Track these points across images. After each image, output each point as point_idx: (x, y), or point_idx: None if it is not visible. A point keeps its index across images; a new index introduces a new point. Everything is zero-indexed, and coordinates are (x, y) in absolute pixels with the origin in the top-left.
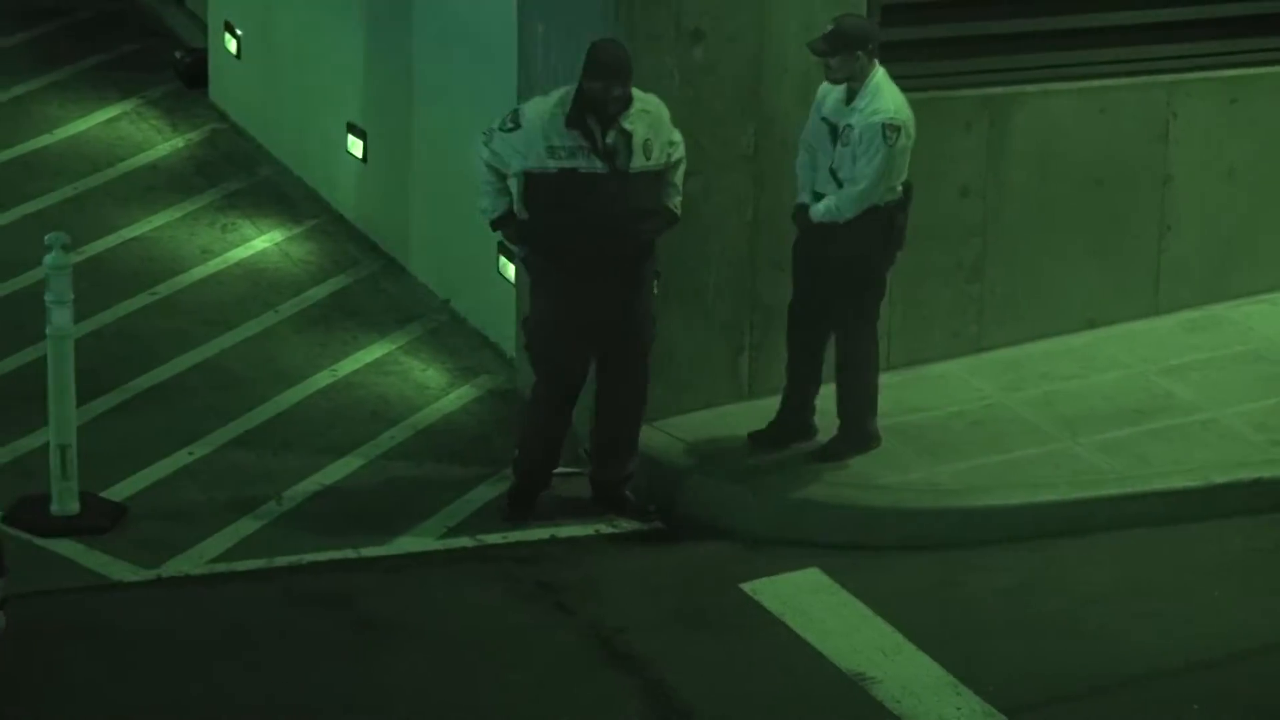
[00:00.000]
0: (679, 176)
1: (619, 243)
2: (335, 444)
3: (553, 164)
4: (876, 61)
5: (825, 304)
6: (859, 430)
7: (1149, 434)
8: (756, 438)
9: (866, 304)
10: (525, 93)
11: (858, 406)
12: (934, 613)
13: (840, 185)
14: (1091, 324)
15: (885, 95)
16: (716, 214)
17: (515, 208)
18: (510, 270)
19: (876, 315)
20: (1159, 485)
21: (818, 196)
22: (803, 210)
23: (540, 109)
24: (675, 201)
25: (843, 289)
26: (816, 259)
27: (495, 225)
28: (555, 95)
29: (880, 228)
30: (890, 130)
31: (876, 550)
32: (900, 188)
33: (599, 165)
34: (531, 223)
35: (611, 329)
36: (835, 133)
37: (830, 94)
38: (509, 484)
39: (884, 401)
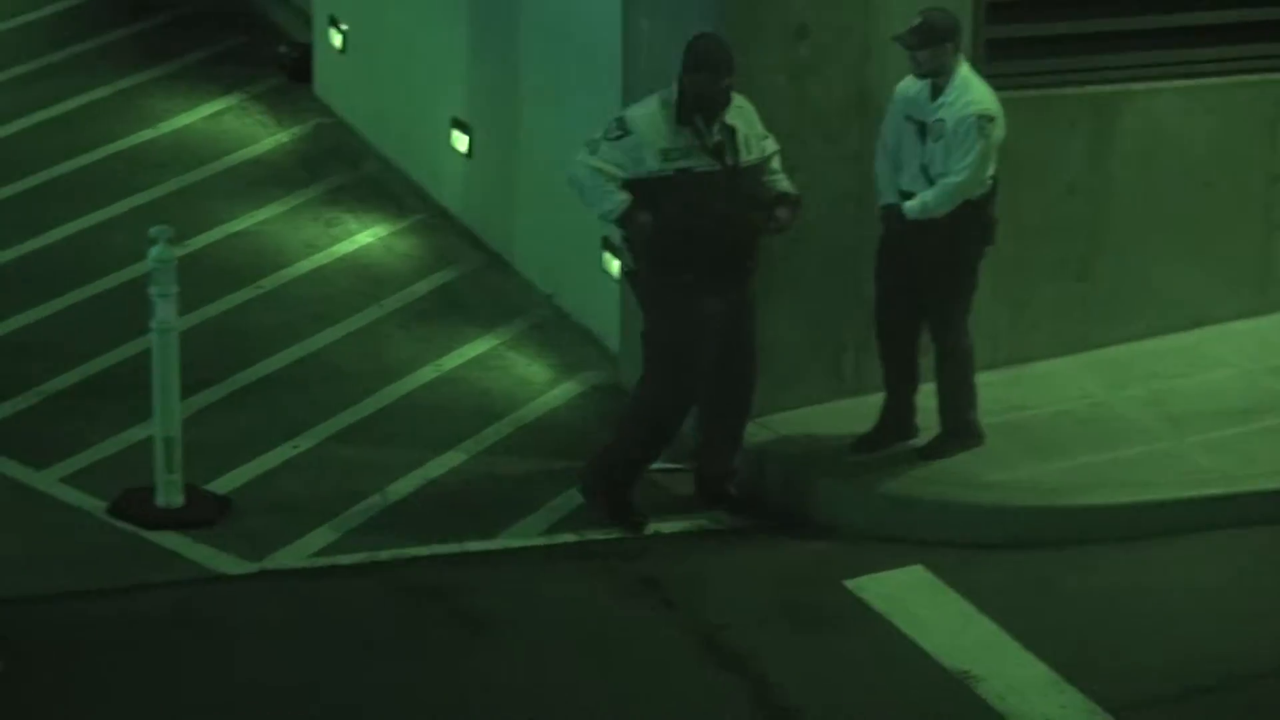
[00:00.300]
0: (779, 163)
1: (737, 236)
2: (439, 439)
3: (669, 167)
4: (961, 55)
5: (921, 304)
6: (962, 426)
7: (1256, 433)
8: (860, 443)
9: (963, 299)
10: (630, 89)
11: (959, 403)
12: (1039, 611)
13: (932, 182)
14: (1198, 323)
15: (974, 87)
16: (822, 211)
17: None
18: (614, 265)
19: (970, 310)
20: (1266, 485)
21: (905, 196)
22: (892, 210)
23: (646, 113)
24: (788, 184)
25: (940, 286)
26: (912, 258)
27: (623, 220)
28: (655, 100)
29: (976, 220)
30: (985, 121)
31: (982, 548)
32: (990, 180)
33: (711, 163)
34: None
35: (733, 325)
36: (923, 130)
37: (911, 91)
38: (603, 489)
39: (990, 400)
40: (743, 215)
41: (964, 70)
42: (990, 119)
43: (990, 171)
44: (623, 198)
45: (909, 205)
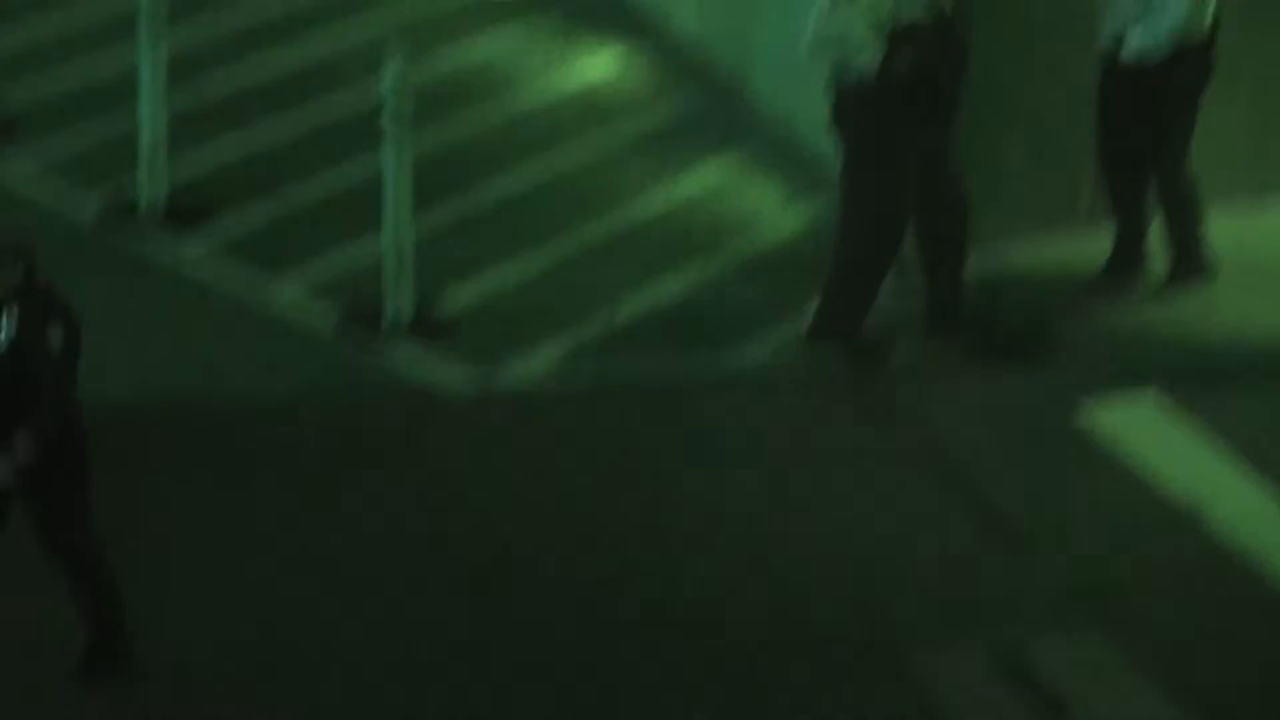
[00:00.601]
0: None
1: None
2: (670, 262)
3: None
4: None
5: (1152, 144)
6: (1194, 260)
7: None
8: (1093, 284)
9: (1189, 137)
10: None
11: (1188, 238)
12: (1276, 442)
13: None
14: None
15: None
16: (1063, 40)
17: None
18: None
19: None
20: None
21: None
22: (1117, 49)
23: None
24: None
25: (1173, 125)
26: (1144, 99)
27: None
28: None
29: (1198, 63)
30: None
31: (1217, 380)
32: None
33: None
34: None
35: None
36: None
37: None
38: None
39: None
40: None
41: None
42: None
43: (1210, 13)
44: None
45: (1129, 47)
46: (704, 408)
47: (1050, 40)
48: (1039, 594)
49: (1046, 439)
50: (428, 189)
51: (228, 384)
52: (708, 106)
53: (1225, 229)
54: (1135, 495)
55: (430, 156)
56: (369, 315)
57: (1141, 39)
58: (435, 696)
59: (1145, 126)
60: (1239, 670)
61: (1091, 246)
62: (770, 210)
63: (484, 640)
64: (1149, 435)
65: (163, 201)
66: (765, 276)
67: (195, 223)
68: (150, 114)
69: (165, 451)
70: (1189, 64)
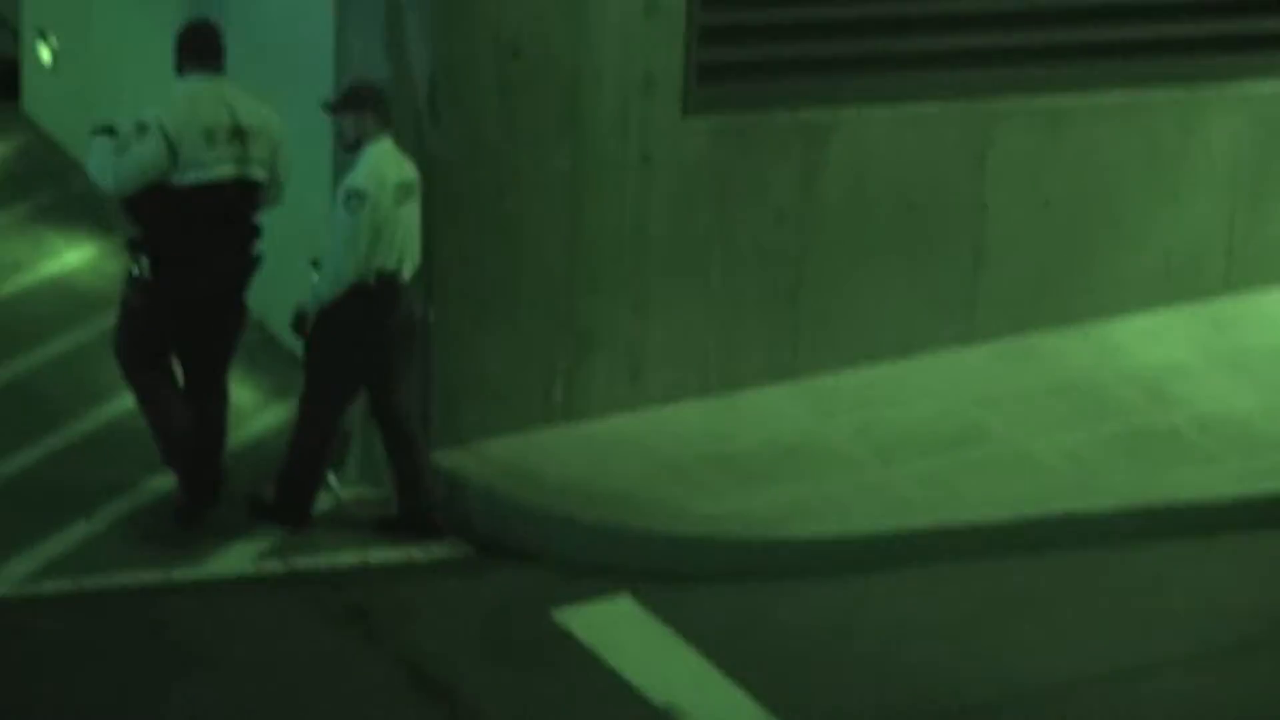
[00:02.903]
0: None
1: None
2: (151, 462)
3: None
4: (383, 130)
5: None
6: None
7: (962, 465)
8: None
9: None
10: None
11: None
12: (748, 644)
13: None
14: (907, 351)
15: (365, 163)
16: (533, 232)
17: None
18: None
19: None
20: (971, 518)
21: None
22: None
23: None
24: None
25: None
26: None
27: None
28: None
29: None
30: (354, 198)
31: (690, 579)
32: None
33: None
34: None
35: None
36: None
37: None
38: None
39: (698, 429)
40: None
41: (375, 146)
42: (360, 196)
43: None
44: None
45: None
46: (179, 611)
47: (525, 229)
48: None
49: (522, 641)
50: None
51: None
52: None
53: (700, 421)
54: (611, 700)
55: None
56: None
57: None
58: None
59: None
60: None
61: (570, 441)
62: (247, 410)
63: None
64: (623, 638)
65: None
66: (241, 479)
67: None
68: None
69: None
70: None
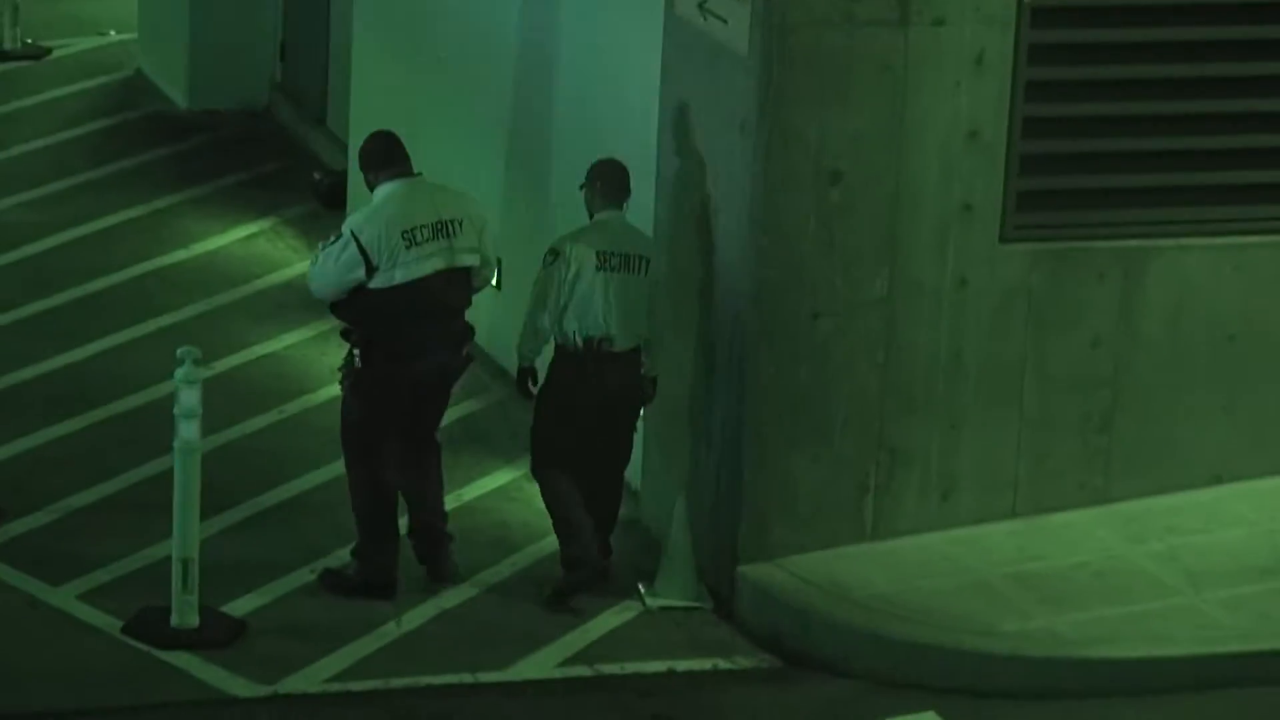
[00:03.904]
0: None
1: None
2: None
3: None
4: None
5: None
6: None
7: (1273, 592)
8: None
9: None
10: (661, 228)
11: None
12: None
13: None
14: (1219, 479)
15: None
16: (846, 355)
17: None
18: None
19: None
20: None
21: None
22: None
23: None
24: None
25: None
26: None
27: None
28: None
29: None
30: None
31: (995, 697)
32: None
33: None
34: None
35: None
36: None
37: None
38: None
39: (1008, 549)
40: None
41: (598, 216)
42: (554, 254)
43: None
44: None
45: None
46: (485, 715)
47: (839, 347)
48: None
49: None
50: (216, 494)
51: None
52: (499, 413)
53: (1011, 541)
54: None
55: (219, 461)
56: (154, 623)
57: None
58: None
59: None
60: None
61: (879, 559)
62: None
63: None
64: None
65: None
66: (551, 584)
67: None
68: None
69: None
70: None
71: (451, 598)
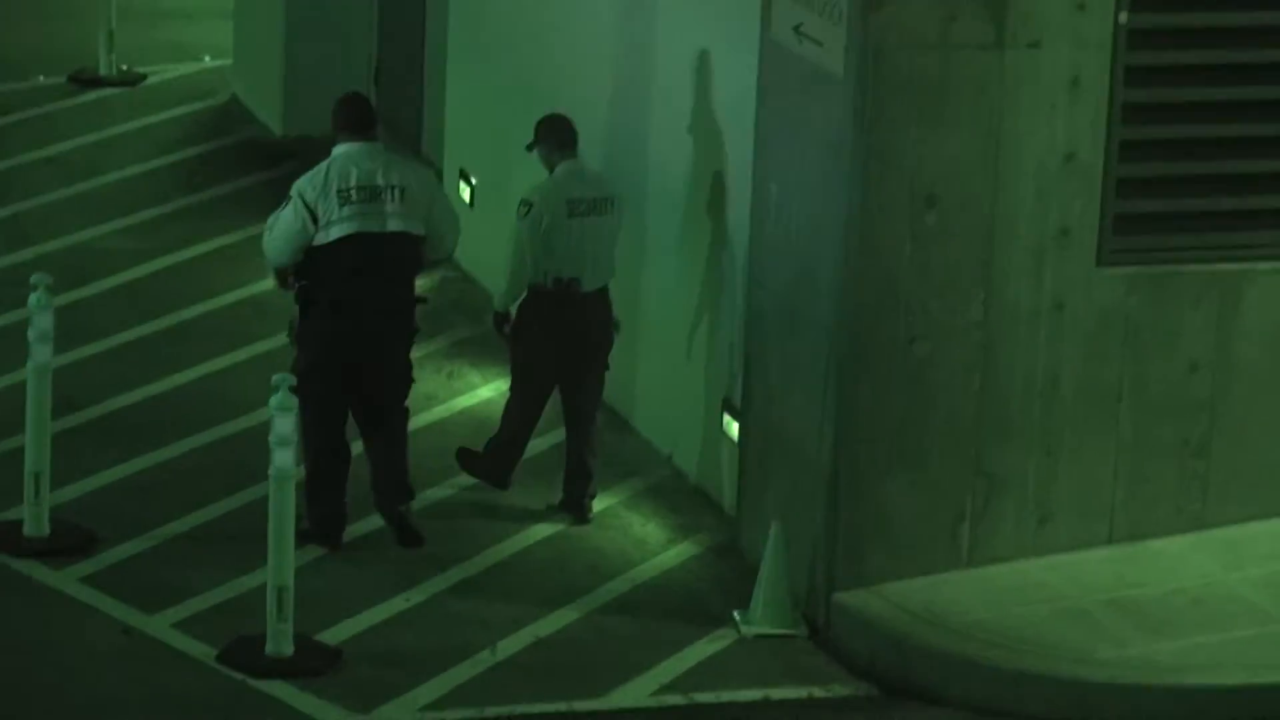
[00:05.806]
0: None
1: None
2: (552, 596)
3: None
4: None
5: None
6: None
7: None
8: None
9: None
10: (756, 251)
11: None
12: None
13: None
14: None
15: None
16: (944, 378)
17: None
18: (734, 428)
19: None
20: None
21: None
22: None
23: None
24: None
25: None
26: None
27: None
28: None
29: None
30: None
31: None
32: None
33: None
34: None
35: None
36: None
37: None
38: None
39: (1105, 576)
40: None
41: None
42: (525, 204)
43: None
44: None
45: None
46: None
47: (935, 371)
48: None
49: None
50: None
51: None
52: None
53: (1108, 568)
54: None
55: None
56: (248, 651)
57: None
58: None
59: None
60: None
61: (975, 586)
62: (654, 546)
63: None
64: None
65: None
66: (645, 613)
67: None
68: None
69: None
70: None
71: (546, 625)
